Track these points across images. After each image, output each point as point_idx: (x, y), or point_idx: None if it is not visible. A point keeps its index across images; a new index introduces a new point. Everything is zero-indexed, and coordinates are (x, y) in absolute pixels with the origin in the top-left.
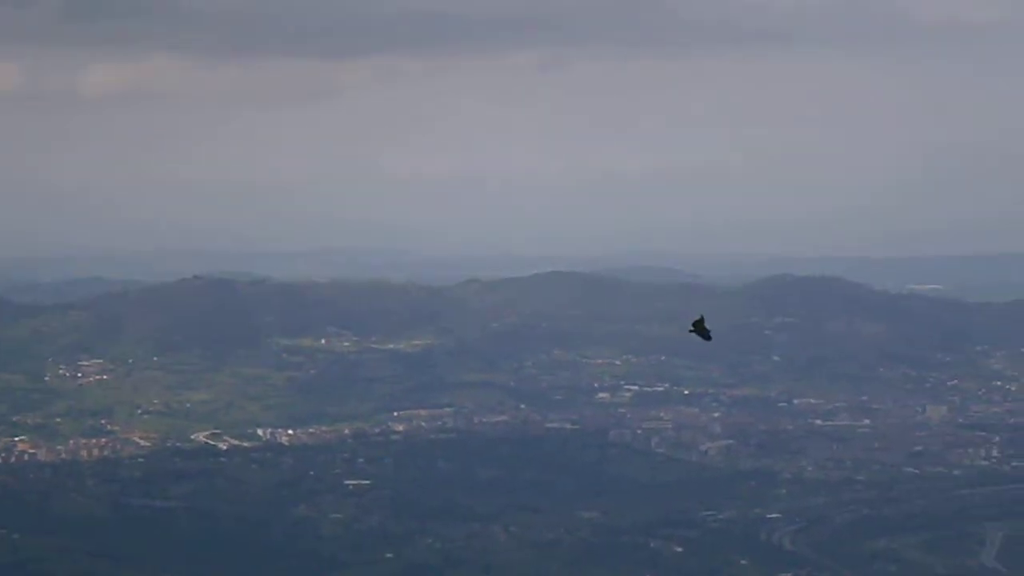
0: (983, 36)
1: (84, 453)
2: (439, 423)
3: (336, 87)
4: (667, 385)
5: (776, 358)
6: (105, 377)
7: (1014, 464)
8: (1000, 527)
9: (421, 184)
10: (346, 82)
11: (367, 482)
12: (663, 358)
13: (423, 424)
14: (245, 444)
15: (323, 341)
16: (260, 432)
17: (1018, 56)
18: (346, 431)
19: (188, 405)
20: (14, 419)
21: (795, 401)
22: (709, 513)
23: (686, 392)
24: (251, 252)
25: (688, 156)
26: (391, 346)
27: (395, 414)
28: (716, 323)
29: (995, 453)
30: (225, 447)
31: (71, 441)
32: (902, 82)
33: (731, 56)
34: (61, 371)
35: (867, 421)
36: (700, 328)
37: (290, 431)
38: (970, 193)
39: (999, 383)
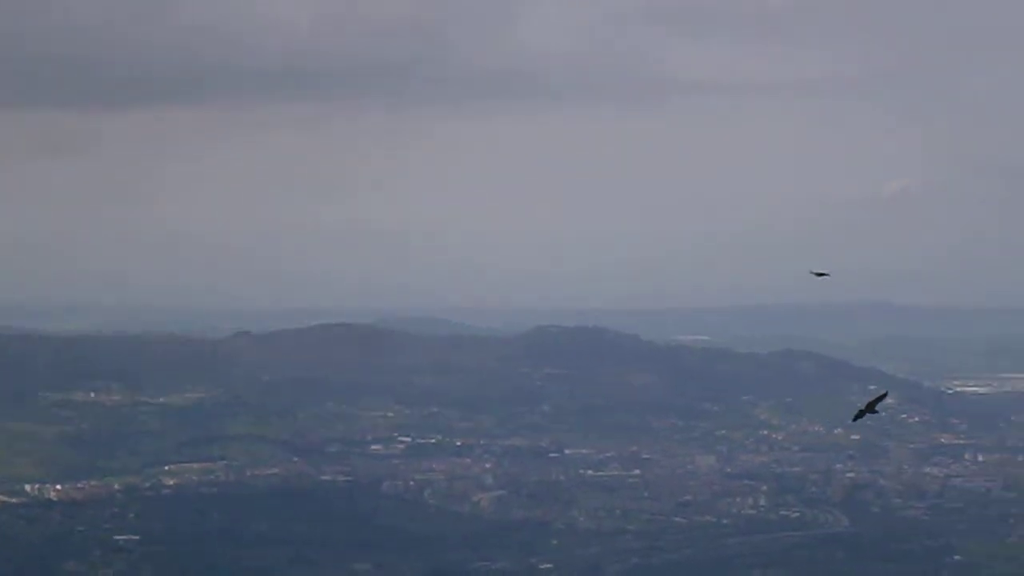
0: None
1: None
2: (210, 476)
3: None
4: (439, 436)
5: (546, 408)
6: None
7: (781, 513)
8: (767, 575)
9: (188, 238)
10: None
11: (137, 537)
12: (435, 409)
13: (194, 478)
14: (12, 500)
15: (92, 395)
16: (28, 488)
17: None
18: (116, 486)
19: None
20: None
21: (566, 451)
22: (483, 564)
23: (458, 443)
24: (17, 305)
25: (455, 208)
26: (162, 399)
27: (166, 468)
28: (485, 374)
29: (762, 502)
30: None
31: None
32: (662, 136)
33: (507, 110)
34: None
35: (637, 471)
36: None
37: (59, 486)
38: (729, 249)
39: (765, 432)
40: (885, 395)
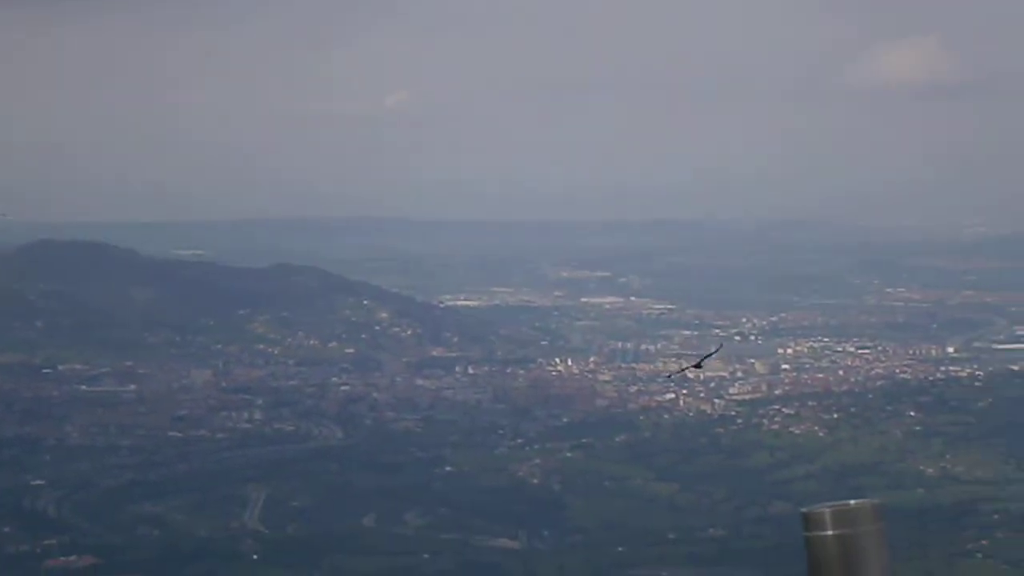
0: None
1: None
2: None
3: None
4: None
5: (40, 324)
6: None
7: (276, 426)
8: (262, 488)
9: None
10: None
11: None
12: None
13: None
14: None
15: None
16: None
17: None
18: None
19: None
20: None
21: (60, 367)
22: None
23: None
24: None
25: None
26: None
27: None
28: None
29: (258, 416)
30: None
31: None
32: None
33: None
34: None
35: (132, 387)
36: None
37: None
38: (225, 161)
39: (262, 346)
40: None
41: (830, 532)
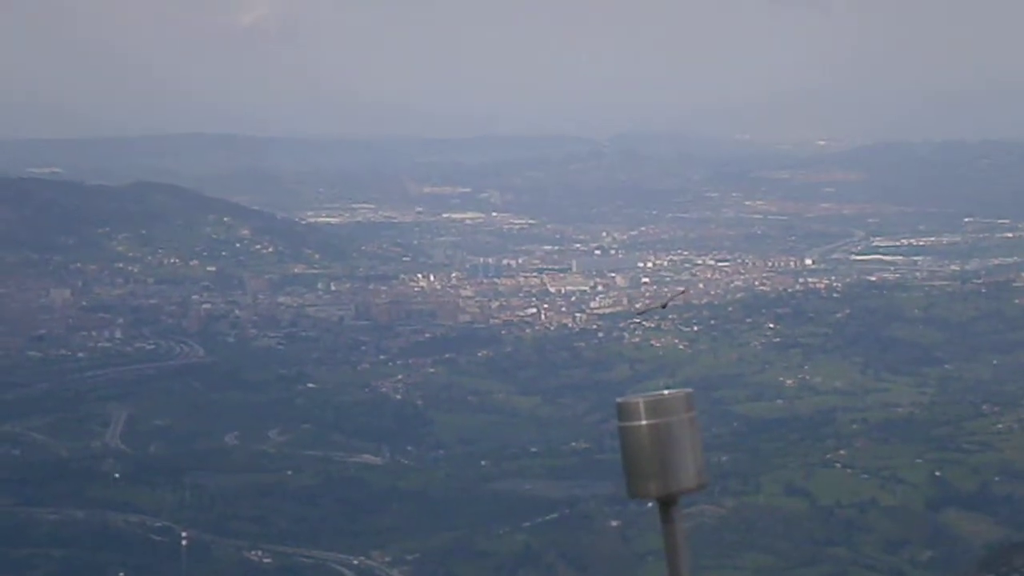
0: None
1: None
2: None
3: None
4: None
5: None
6: None
7: (136, 345)
8: (123, 407)
9: None
10: None
11: None
12: None
13: None
14: None
15: None
16: None
17: None
18: None
19: None
20: None
21: None
22: None
23: None
24: None
25: None
26: None
27: None
28: None
29: (118, 335)
30: None
31: None
32: None
33: None
34: None
35: None
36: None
37: None
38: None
39: (121, 265)
40: (683, 292)
41: (644, 422)
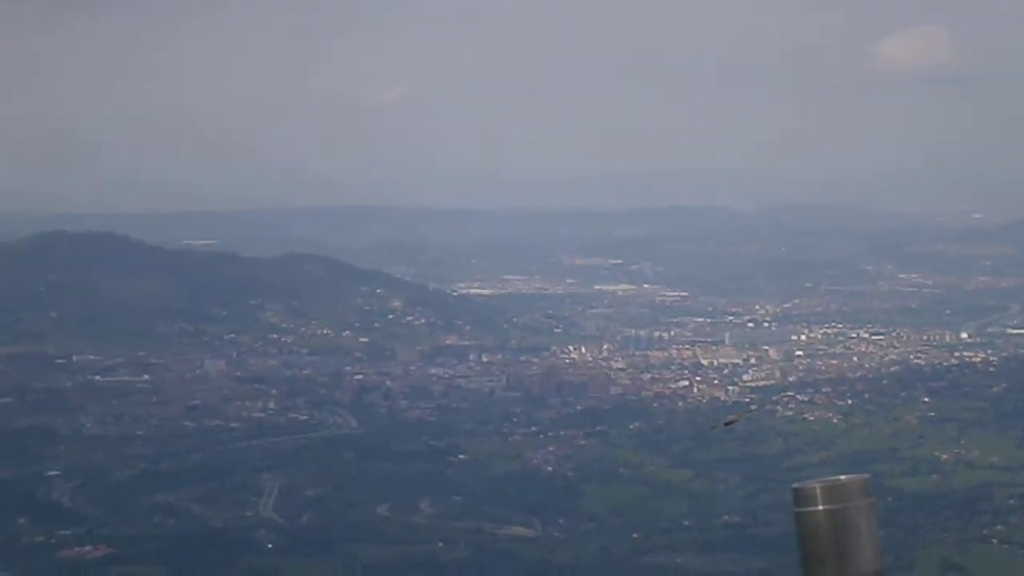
0: None
1: None
2: None
3: None
4: None
5: (53, 315)
6: None
7: (290, 415)
8: (277, 477)
9: None
10: None
11: None
12: None
13: None
14: None
15: None
16: None
17: None
18: None
19: None
20: None
21: (74, 358)
22: None
23: None
24: None
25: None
26: None
27: None
28: None
29: (272, 405)
30: None
31: None
32: None
33: None
34: None
35: (146, 376)
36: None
37: None
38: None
39: (275, 336)
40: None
41: (821, 507)
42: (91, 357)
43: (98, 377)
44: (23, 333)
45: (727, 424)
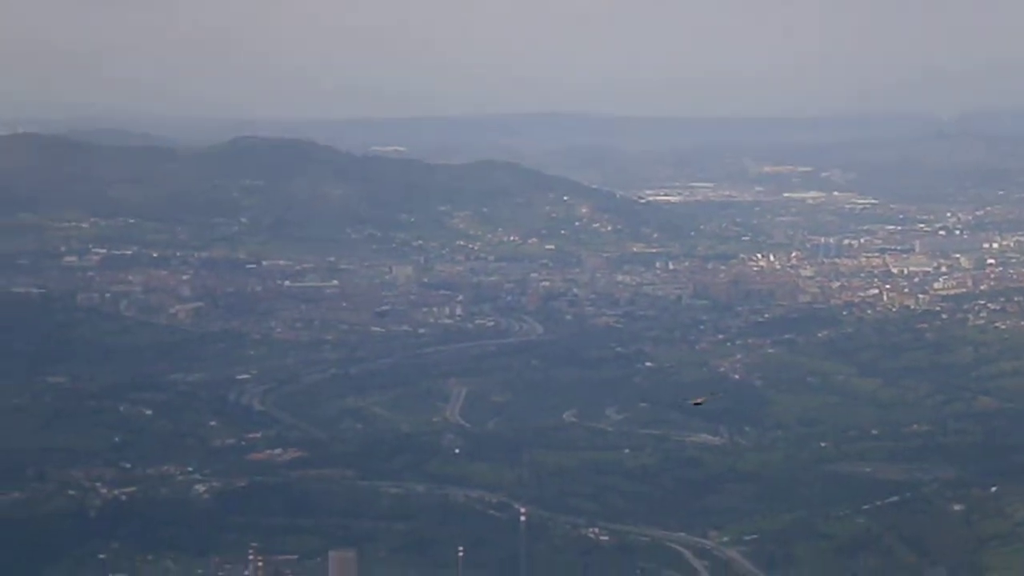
0: None
1: None
2: None
3: None
4: (135, 248)
5: (244, 220)
6: None
7: (477, 322)
8: (463, 383)
9: None
10: None
11: None
12: (131, 220)
13: None
14: None
15: None
16: None
17: None
18: None
19: None
20: None
21: (264, 263)
22: (178, 375)
23: (154, 255)
24: None
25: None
26: None
27: None
28: (181, 185)
29: (459, 311)
30: None
31: None
32: None
33: None
34: None
35: (335, 282)
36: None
37: None
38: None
39: (462, 242)
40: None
41: None
42: (281, 262)
43: (288, 282)
44: (216, 238)
45: (696, 404)
